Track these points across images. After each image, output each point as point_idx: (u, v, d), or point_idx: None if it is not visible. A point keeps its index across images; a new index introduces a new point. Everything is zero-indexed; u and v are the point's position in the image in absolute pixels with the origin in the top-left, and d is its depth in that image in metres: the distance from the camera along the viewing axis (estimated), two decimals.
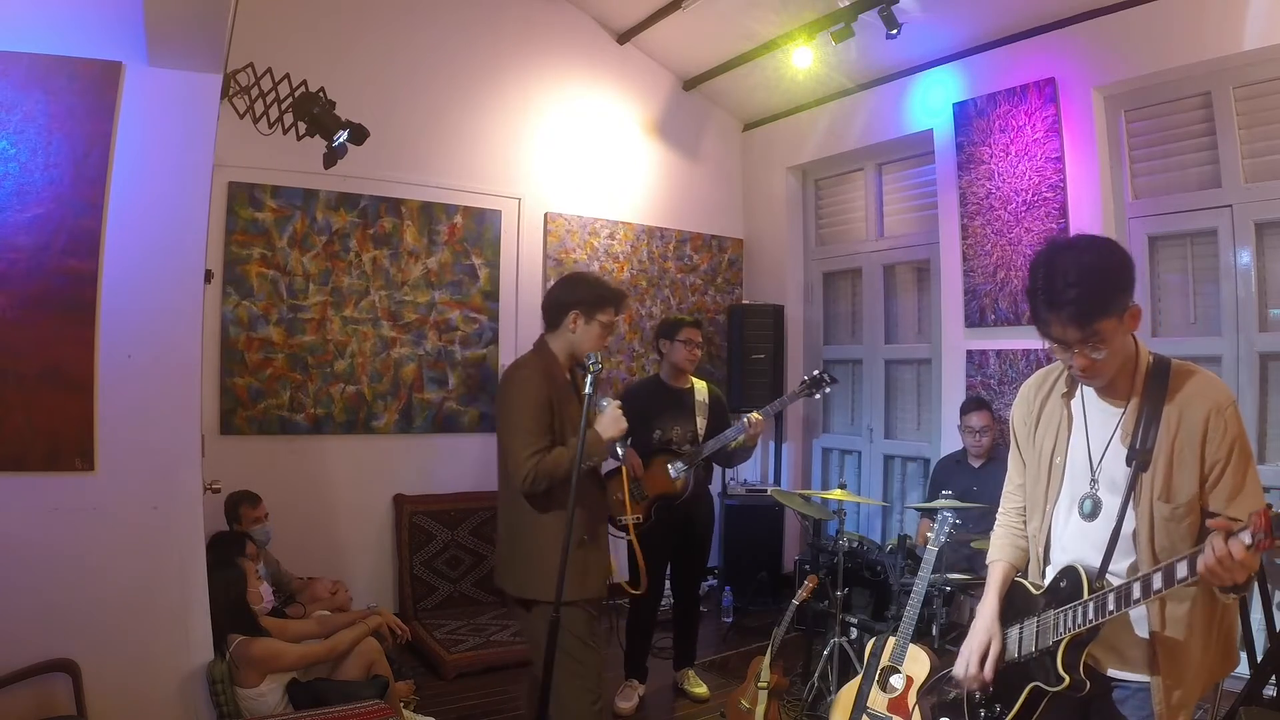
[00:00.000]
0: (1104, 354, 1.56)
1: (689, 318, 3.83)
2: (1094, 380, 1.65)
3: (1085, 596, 1.59)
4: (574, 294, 2.60)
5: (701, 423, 3.71)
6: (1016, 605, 1.79)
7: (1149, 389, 1.63)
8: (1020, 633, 1.75)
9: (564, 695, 2.42)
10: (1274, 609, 2.86)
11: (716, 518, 4.27)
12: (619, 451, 2.56)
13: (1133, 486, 1.61)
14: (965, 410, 4.08)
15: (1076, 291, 1.53)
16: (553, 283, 2.79)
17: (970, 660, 1.77)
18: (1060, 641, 1.62)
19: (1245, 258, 3.54)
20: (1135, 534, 1.61)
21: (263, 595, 3.01)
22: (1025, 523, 1.88)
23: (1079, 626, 1.59)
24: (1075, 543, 1.71)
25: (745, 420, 3.48)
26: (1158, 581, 1.45)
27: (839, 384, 3.99)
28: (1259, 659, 2.84)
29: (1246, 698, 2.67)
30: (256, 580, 3.00)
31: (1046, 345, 1.64)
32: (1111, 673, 1.64)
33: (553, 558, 2.36)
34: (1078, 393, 1.76)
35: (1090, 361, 1.58)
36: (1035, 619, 1.71)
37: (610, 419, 2.50)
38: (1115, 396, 1.69)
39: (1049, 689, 1.64)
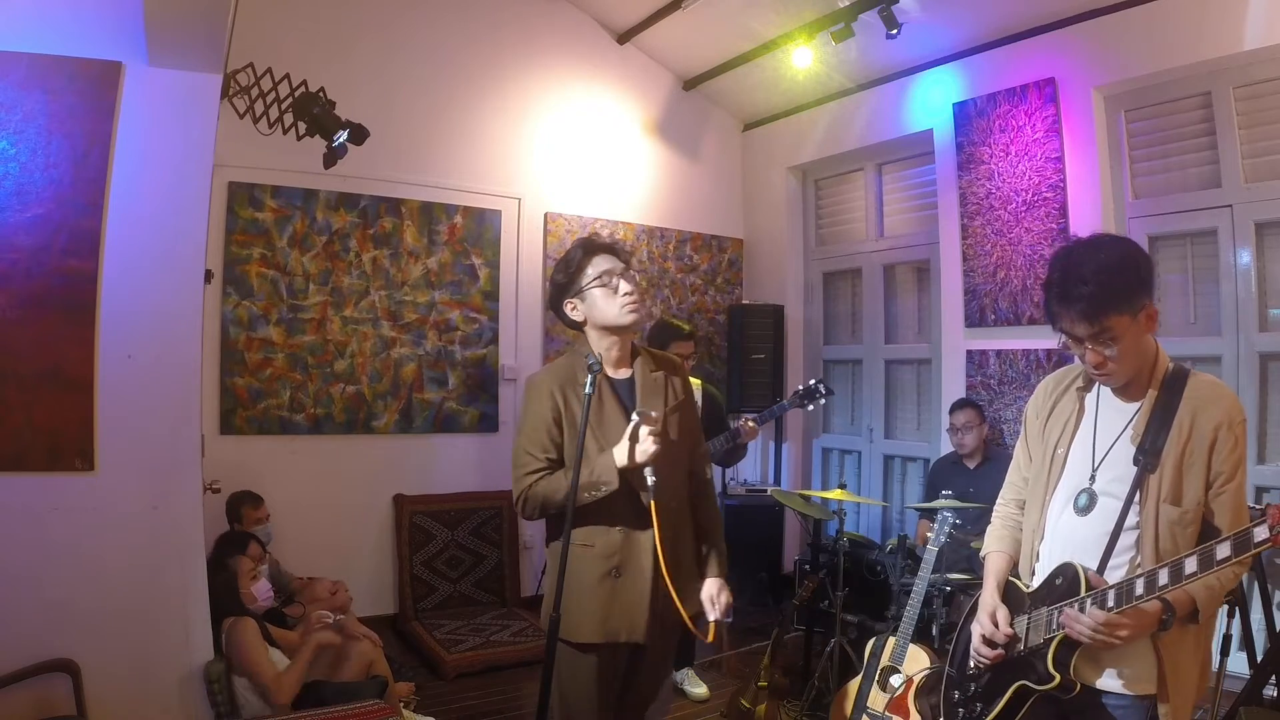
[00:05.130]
0: (1115, 351, 1.58)
1: (686, 326, 3.75)
2: (1108, 379, 1.66)
3: (1083, 594, 1.58)
4: (554, 287, 2.23)
5: None
6: (1008, 603, 1.77)
7: (1165, 392, 1.64)
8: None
9: None
10: (1274, 609, 2.87)
11: None
12: (649, 481, 1.97)
13: (1138, 486, 1.61)
14: (951, 409, 4.11)
15: (1088, 289, 1.55)
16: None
17: (986, 628, 1.73)
18: (1053, 639, 1.61)
19: (1245, 258, 3.54)
20: (1139, 535, 1.61)
21: (256, 595, 2.98)
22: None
23: None
24: (1068, 539, 1.70)
25: (741, 427, 3.55)
26: (1164, 577, 1.44)
27: (834, 394, 3.99)
28: (1259, 659, 2.84)
29: (1246, 698, 2.67)
30: (249, 580, 2.98)
31: (1061, 341, 1.65)
32: (1100, 685, 1.62)
33: (576, 591, 2.04)
34: (1094, 388, 1.76)
35: (1102, 358, 1.60)
36: (1026, 616, 1.69)
37: (633, 441, 1.98)
38: (1130, 397, 1.70)
39: (1036, 688, 1.62)
